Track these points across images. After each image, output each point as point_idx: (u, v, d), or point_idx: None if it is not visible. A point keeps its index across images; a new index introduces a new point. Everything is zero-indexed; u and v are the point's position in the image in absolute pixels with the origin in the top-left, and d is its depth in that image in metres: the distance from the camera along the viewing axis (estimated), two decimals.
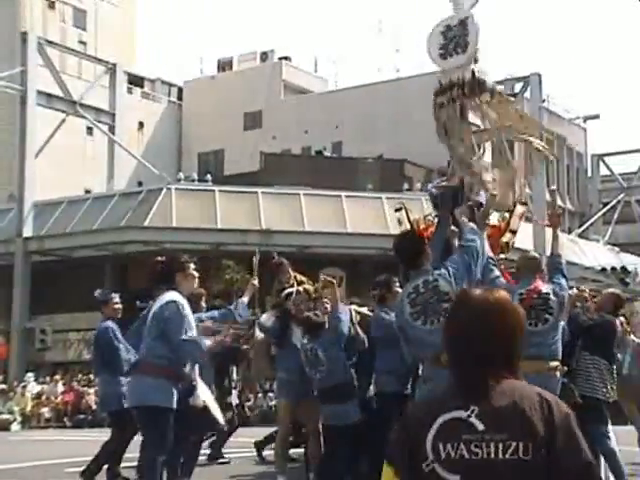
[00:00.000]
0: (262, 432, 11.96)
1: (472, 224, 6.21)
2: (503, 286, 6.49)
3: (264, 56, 50.55)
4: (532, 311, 6.66)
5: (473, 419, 2.36)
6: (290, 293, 8.60)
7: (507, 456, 2.30)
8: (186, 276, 6.45)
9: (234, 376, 11.51)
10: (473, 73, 7.72)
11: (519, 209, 10.53)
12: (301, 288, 8.63)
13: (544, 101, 40.61)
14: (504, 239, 9.84)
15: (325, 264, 21.23)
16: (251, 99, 47.16)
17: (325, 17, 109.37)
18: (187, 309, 6.29)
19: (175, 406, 6.15)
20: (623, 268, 30.70)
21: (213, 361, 9.93)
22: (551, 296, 6.89)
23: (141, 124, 47.72)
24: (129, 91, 44.93)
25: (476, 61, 7.97)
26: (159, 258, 6.60)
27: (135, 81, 47.92)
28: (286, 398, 8.54)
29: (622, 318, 10.52)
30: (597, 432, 7.49)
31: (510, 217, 10.06)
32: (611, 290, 9.66)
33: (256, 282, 7.74)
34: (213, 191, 30.23)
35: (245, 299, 7.71)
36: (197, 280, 6.77)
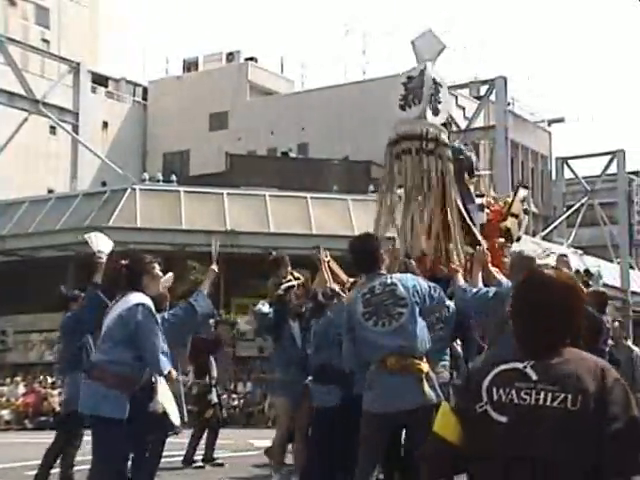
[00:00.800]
0: (227, 433, 11.86)
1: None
2: (496, 292, 6.53)
3: (230, 57, 50.36)
4: None
5: (528, 370, 2.59)
6: (291, 286, 8.42)
7: (555, 404, 2.52)
8: (153, 277, 6.19)
9: (214, 372, 11.28)
10: (428, 131, 8.02)
11: (522, 192, 10.55)
12: (300, 282, 8.47)
13: (509, 104, 40.89)
14: (506, 223, 10.02)
15: (291, 265, 21.12)
16: (217, 100, 46.96)
17: (292, 19, 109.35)
18: (155, 313, 6.09)
19: (126, 415, 5.90)
20: (587, 271, 30.86)
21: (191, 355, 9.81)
22: None
23: (105, 124, 47.30)
24: (93, 90, 44.48)
25: (436, 114, 8.20)
26: (122, 261, 6.31)
27: (99, 80, 47.47)
28: (284, 398, 8.38)
29: (616, 323, 10.62)
30: None
31: (512, 201, 10.27)
32: (593, 289, 9.66)
33: (216, 267, 7.54)
34: (178, 192, 30.05)
35: (205, 288, 7.51)
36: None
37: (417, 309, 5.80)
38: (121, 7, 50.72)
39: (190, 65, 51.28)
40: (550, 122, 47.61)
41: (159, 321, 6.33)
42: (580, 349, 2.69)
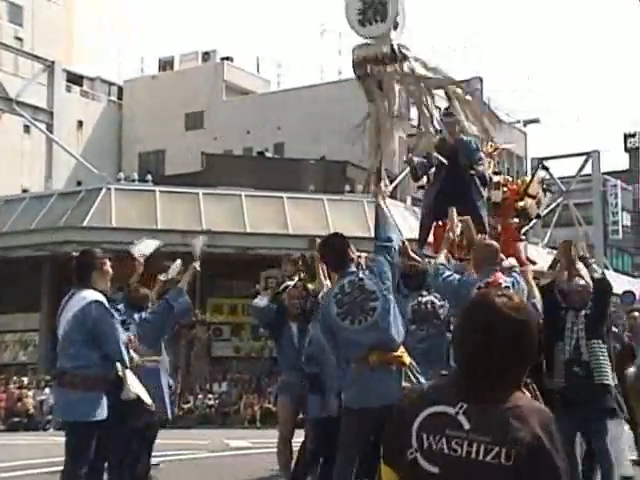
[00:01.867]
0: (202, 434, 11.82)
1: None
2: (459, 282, 6.42)
3: (206, 56, 50.17)
4: None
5: (460, 416, 2.32)
6: (288, 286, 8.31)
7: (488, 459, 2.27)
8: (102, 273, 6.10)
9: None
10: (392, 48, 7.40)
11: (541, 173, 10.48)
12: (299, 283, 8.32)
13: (485, 104, 41.00)
14: (521, 203, 9.94)
15: (266, 265, 21.07)
16: (193, 99, 46.78)
17: (268, 18, 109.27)
18: (108, 306, 6.02)
19: (105, 415, 5.86)
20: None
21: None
22: (511, 289, 6.29)
23: (80, 123, 46.96)
24: (68, 89, 44.17)
25: (395, 27, 7.60)
26: (74, 254, 6.25)
27: (74, 79, 47.12)
28: (284, 398, 8.29)
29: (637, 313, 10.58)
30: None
31: (530, 181, 10.18)
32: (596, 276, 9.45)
33: (197, 265, 7.46)
34: (154, 191, 29.90)
35: (183, 285, 7.41)
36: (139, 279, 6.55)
37: (389, 298, 5.81)
38: (96, 6, 50.29)
39: (166, 64, 51.04)
40: (526, 123, 47.84)
41: (138, 318, 6.27)
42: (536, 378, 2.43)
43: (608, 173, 49.69)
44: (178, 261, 7.87)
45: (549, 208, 42.16)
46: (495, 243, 6.88)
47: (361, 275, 5.85)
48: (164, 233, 27.90)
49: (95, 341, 5.84)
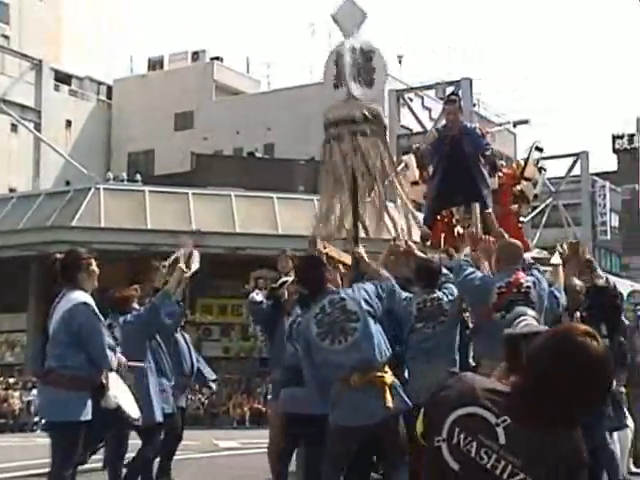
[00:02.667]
0: (192, 434, 11.70)
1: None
2: (480, 281, 6.23)
3: (195, 56, 50.03)
4: (511, 307, 5.94)
5: (499, 429, 2.25)
6: (285, 282, 8.15)
7: None
8: (89, 273, 5.98)
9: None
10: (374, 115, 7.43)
11: (535, 155, 10.29)
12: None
13: (475, 105, 41.07)
14: (518, 187, 9.76)
15: (256, 266, 20.97)
16: (182, 99, 46.63)
17: (258, 18, 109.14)
18: (96, 309, 5.93)
19: (90, 416, 5.77)
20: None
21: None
22: (532, 290, 6.06)
23: (69, 122, 46.75)
24: (56, 88, 43.96)
25: (370, 84, 7.66)
26: (57, 255, 6.15)
27: (62, 78, 46.90)
28: (276, 399, 8.13)
29: None
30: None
31: (526, 164, 10.04)
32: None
33: (183, 266, 7.35)
34: (143, 191, 29.80)
35: (171, 287, 7.28)
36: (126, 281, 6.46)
37: (370, 319, 5.75)
38: (85, 5, 50.04)
39: (155, 64, 50.88)
40: (515, 124, 47.88)
41: (122, 321, 6.16)
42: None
43: (597, 174, 49.78)
44: (196, 253, 7.74)
45: (538, 209, 42.31)
46: (519, 243, 6.66)
47: (342, 295, 5.81)
48: (153, 233, 27.87)
49: (80, 344, 5.77)
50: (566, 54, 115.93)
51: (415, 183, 9.63)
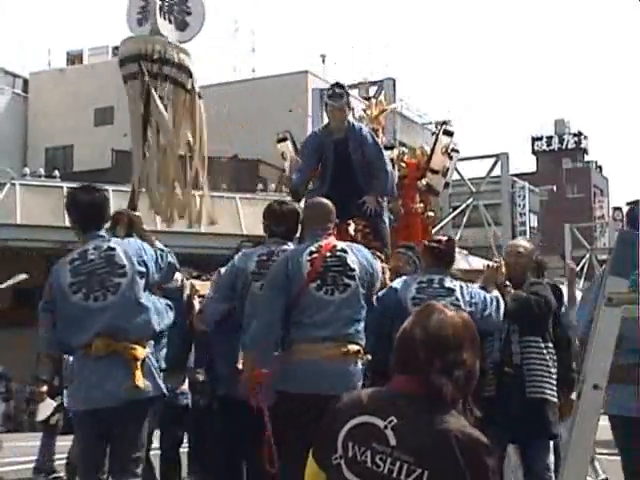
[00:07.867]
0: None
1: None
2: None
3: (116, 51, 48.92)
4: (327, 275, 4.75)
5: (388, 431, 2.21)
6: None
7: (408, 479, 2.17)
8: None
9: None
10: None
11: (444, 140, 8.70)
12: None
13: (400, 101, 41.29)
14: (423, 181, 8.49)
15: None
16: (102, 94, 45.80)
17: None
18: None
19: None
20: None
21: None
22: (348, 255, 4.83)
23: None
24: None
25: (183, 27, 6.77)
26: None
27: None
28: None
29: None
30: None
31: (431, 153, 8.59)
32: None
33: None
34: (61, 188, 29.15)
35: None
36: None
37: (140, 280, 4.78)
38: None
39: (74, 58, 49.93)
40: (437, 124, 48.38)
41: None
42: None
43: (516, 175, 50.63)
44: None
45: (459, 209, 42.82)
46: (329, 203, 5.13)
47: (113, 244, 4.86)
48: (71, 231, 27.29)
49: None
50: (486, 56, 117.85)
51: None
